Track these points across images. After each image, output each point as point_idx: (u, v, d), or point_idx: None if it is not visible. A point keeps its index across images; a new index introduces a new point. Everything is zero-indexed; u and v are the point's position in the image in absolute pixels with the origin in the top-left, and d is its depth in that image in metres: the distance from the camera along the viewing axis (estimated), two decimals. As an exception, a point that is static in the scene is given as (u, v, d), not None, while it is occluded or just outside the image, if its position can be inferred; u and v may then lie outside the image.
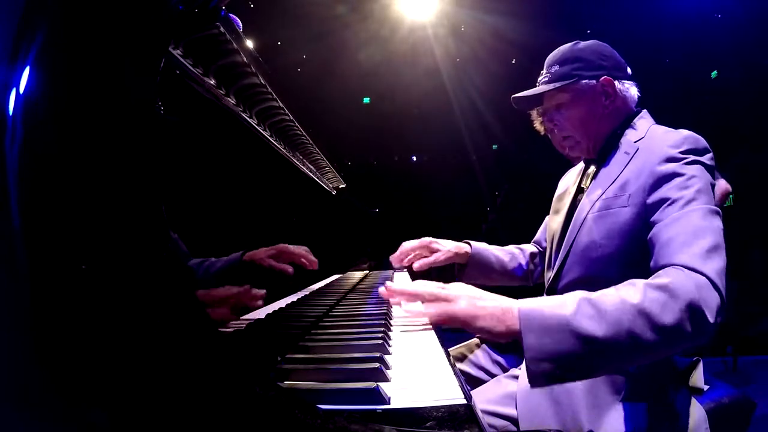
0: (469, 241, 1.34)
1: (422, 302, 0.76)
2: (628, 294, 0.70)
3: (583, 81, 1.05)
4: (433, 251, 1.32)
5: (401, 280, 1.27)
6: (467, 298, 0.72)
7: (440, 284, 0.77)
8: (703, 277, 0.73)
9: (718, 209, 0.85)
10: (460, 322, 0.71)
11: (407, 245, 1.32)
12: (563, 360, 0.65)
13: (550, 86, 1.07)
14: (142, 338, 0.34)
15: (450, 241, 1.34)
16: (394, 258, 1.32)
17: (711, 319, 0.70)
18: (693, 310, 0.69)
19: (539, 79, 1.13)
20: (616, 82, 1.06)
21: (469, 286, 0.76)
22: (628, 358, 0.72)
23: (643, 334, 0.67)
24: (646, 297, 0.69)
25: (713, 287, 0.73)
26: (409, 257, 1.33)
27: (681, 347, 0.75)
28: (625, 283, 0.74)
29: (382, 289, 0.84)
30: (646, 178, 0.91)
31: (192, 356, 0.35)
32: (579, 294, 0.71)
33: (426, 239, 1.33)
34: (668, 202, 0.86)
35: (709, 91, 3.98)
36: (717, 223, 0.83)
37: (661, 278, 0.74)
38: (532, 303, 0.70)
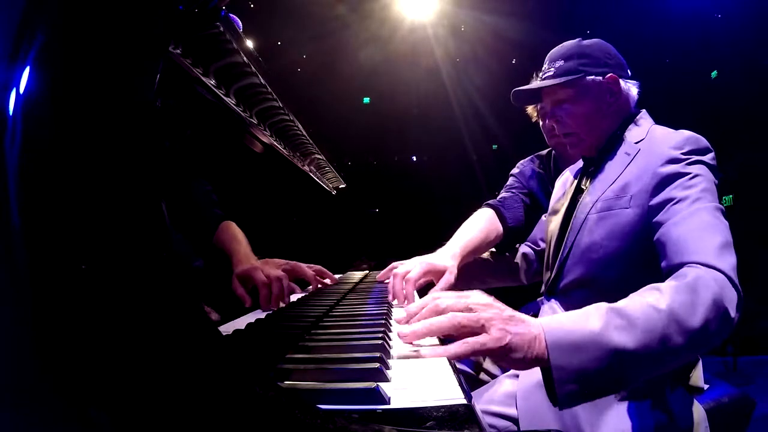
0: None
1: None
2: (655, 299, 0.66)
3: (589, 77, 1.04)
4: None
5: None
6: (499, 323, 0.60)
7: (462, 300, 0.64)
8: (721, 274, 0.72)
9: (723, 208, 0.85)
10: (492, 354, 0.60)
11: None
12: (594, 377, 0.60)
13: (556, 80, 1.04)
14: (142, 338, 0.34)
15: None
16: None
17: (733, 315, 0.70)
18: (718, 308, 0.68)
19: (540, 74, 1.10)
20: (621, 81, 1.05)
21: (492, 299, 0.64)
22: (656, 367, 0.67)
23: (674, 339, 0.64)
24: (674, 300, 0.66)
25: (731, 283, 0.72)
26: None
27: (707, 348, 0.71)
28: (646, 288, 0.71)
29: (402, 330, 0.64)
30: (649, 180, 0.91)
31: (192, 356, 0.35)
32: (603, 305, 0.65)
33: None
34: (674, 202, 0.85)
35: (709, 91, 3.97)
36: (725, 220, 0.83)
37: (683, 279, 0.71)
38: (555, 323, 0.62)
